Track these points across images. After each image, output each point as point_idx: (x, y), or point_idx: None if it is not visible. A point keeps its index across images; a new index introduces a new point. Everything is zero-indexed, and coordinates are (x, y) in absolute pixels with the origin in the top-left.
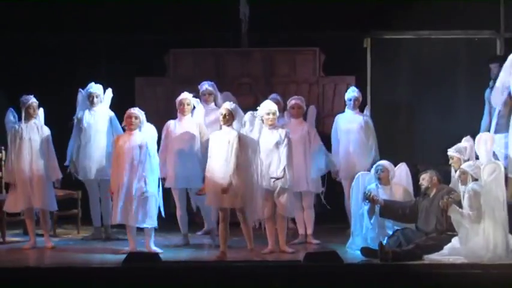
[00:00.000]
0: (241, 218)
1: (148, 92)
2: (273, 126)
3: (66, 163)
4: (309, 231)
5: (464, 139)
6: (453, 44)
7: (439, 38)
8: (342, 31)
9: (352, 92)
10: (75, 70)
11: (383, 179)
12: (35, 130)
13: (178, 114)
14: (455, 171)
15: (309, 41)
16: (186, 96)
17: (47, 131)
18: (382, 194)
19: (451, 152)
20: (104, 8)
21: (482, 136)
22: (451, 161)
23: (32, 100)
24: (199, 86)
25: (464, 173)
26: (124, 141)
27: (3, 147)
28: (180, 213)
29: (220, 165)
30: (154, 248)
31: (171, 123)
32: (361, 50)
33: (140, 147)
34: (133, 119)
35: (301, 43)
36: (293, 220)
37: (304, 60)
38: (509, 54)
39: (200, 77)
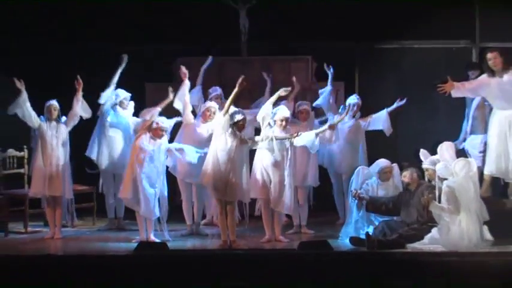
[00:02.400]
0: (230, 211)
1: (157, 96)
2: (285, 128)
3: (87, 153)
4: (303, 222)
5: (421, 154)
6: (433, 53)
7: (421, 47)
8: (332, 41)
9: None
10: (93, 76)
11: (386, 178)
12: (55, 129)
13: (200, 119)
14: (430, 181)
15: (302, 50)
16: (213, 105)
17: (64, 130)
18: (380, 189)
19: (425, 165)
20: (118, 22)
21: (443, 146)
22: (426, 173)
23: (50, 103)
24: (210, 90)
25: (428, 170)
26: (147, 141)
27: (25, 147)
28: (185, 205)
29: (226, 163)
30: (155, 238)
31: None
32: (350, 58)
33: (162, 151)
34: (159, 132)
35: (295, 52)
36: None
37: (298, 68)
38: (483, 62)
39: (204, 83)
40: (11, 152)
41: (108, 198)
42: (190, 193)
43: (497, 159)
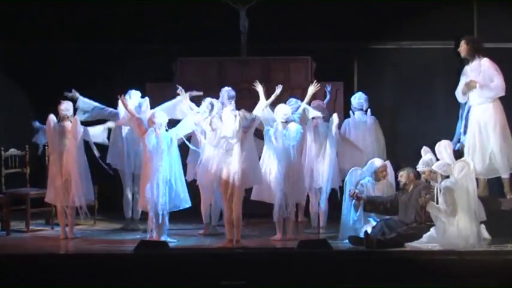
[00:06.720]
0: (236, 209)
1: (157, 96)
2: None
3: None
4: (322, 224)
5: (423, 151)
6: (432, 53)
7: (419, 47)
8: (331, 42)
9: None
10: (95, 76)
11: (382, 177)
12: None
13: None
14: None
15: (301, 50)
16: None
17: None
18: (375, 189)
19: (420, 168)
20: (119, 22)
21: (441, 144)
22: (423, 176)
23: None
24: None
25: (434, 172)
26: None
27: (27, 146)
28: (203, 205)
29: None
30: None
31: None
32: (349, 58)
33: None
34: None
35: (295, 52)
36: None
37: (298, 68)
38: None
39: (204, 83)
40: (13, 151)
41: (126, 198)
42: (208, 194)
43: (475, 158)
